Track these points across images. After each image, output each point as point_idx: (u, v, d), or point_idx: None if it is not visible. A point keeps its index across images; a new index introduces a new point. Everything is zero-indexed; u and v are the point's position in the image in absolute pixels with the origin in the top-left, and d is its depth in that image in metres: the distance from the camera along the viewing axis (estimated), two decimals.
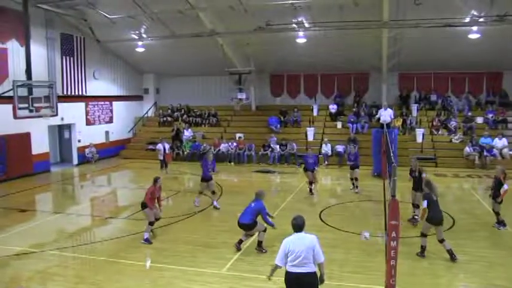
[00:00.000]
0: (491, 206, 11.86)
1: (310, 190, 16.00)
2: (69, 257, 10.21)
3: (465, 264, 9.20)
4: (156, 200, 11.58)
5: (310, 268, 6.22)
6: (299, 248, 6.24)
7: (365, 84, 26.05)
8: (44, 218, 13.97)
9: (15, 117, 17.03)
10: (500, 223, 11.54)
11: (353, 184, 16.38)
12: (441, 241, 9.38)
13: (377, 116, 20.76)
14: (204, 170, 14.34)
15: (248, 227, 10.25)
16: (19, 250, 10.58)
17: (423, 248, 9.63)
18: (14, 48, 19.41)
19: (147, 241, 10.90)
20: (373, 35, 20.24)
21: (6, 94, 17.57)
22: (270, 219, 10.60)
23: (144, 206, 11.22)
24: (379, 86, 24.80)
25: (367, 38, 20.58)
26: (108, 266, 9.43)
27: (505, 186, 11.06)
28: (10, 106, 16.77)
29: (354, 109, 25.05)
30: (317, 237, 6.43)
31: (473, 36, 19.08)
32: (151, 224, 11.14)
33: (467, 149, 21.05)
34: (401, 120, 23.57)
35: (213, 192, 14.51)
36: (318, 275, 6.35)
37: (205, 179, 14.38)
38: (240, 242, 10.32)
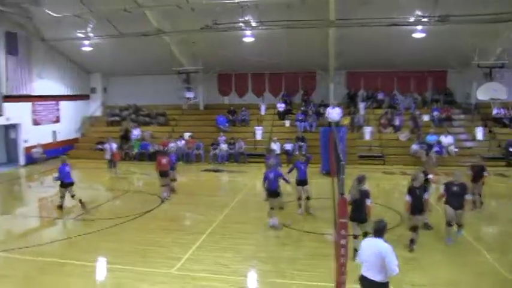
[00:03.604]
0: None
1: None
2: (17, 259, 10.12)
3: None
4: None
5: (375, 276, 6.21)
6: (368, 253, 6.35)
7: (313, 83, 26.64)
8: None
9: None
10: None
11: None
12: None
13: (325, 114, 21.27)
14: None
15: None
16: None
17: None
18: None
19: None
20: (320, 34, 20.80)
21: None
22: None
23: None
24: (327, 84, 25.55)
25: (314, 37, 21.14)
26: (57, 268, 9.44)
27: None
28: None
29: (302, 108, 25.57)
30: (391, 248, 6.27)
31: (418, 35, 19.68)
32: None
33: (414, 147, 21.69)
34: (349, 118, 24.19)
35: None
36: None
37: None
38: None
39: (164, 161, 15.66)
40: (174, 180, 16.50)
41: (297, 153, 20.82)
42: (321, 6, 18.51)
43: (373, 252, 6.25)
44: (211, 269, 9.22)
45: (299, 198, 13.22)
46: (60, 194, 14.10)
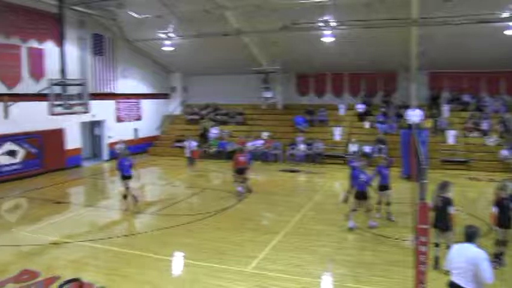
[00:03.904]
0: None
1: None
2: (101, 248, 10.60)
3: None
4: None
5: (468, 284, 5.84)
6: (459, 259, 6.00)
7: (393, 84, 25.77)
8: (77, 211, 14.57)
9: (51, 113, 17.61)
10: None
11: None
12: None
13: (405, 116, 20.48)
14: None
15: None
16: (55, 240, 11.16)
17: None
18: (50, 49, 20.20)
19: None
20: (401, 33, 19.97)
21: (43, 92, 18.16)
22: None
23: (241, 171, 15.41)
24: (408, 85, 24.56)
25: (395, 36, 20.35)
26: (137, 259, 9.75)
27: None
28: (46, 103, 17.35)
29: (382, 109, 24.76)
30: (486, 254, 5.90)
31: (510, 32, 18.31)
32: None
33: (503, 152, 20.16)
34: (431, 121, 22.97)
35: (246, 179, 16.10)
36: None
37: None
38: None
39: (242, 158, 15.93)
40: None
41: (376, 155, 20.30)
42: (402, 4, 17.80)
43: (465, 259, 5.85)
44: (285, 269, 9.09)
45: (379, 203, 12.76)
46: (121, 185, 15.07)
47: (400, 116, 23.50)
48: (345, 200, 12.73)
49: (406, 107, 23.29)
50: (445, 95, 24.75)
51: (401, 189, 15.43)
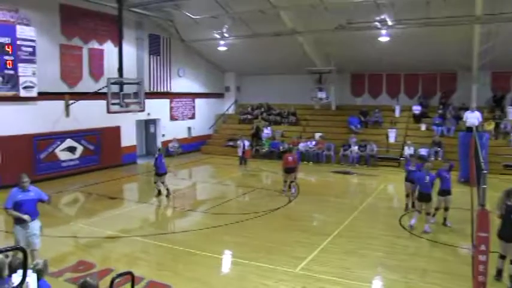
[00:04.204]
0: None
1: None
2: (152, 244, 10.82)
3: None
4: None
5: None
6: None
7: (452, 85, 24.78)
8: (130, 206, 15.04)
9: (108, 111, 18.09)
10: None
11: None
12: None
13: (463, 119, 19.71)
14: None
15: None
16: (109, 233, 11.55)
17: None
18: (108, 49, 20.85)
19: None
20: (462, 31, 19.07)
21: (101, 91, 18.76)
22: None
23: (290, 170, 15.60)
24: (469, 86, 23.53)
25: (456, 35, 19.47)
26: (186, 256, 9.87)
27: None
28: (104, 102, 17.86)
29: (440, 111, 23.86)
30: None
31: None
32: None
33: None
34: (493, 123, 21.98)
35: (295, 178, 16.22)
36: None
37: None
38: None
39: (290, 158, 15.98)
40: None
41: (432, 158, 19.68)
42: (464, 0, 17.06)
43: None
44: (335, 272, 8.92)
45: (437, 209, 12.22)
46: (154, 180, 15.92)
47: (458, 118, 22.64)
48: (406, 208, 12.96)
49: (466, 108, 22.38)
50: (509, 96, 23.57)
51: (458, 194, 14.79)
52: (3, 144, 16.80)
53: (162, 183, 15.71)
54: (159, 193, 15.76)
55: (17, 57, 16.66)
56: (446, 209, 12.12)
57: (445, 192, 12.00)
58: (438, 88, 25.06)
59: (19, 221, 8.36)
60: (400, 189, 14.68)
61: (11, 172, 16.20)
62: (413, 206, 13.20)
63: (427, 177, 11.55)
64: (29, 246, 8.33)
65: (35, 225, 8.60)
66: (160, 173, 15.63)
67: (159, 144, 24.44)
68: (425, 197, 11.55)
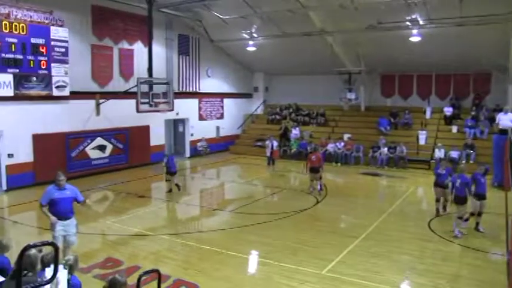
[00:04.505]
0: None
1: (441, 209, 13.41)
2: (180, 243, 10.88)
3: None
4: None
5: None
6: None
7: (486, 86, 24.12)
8: (158, 205, 15.24)
9: (138, 111, 18.28)
10: None
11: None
12: None
13: (496, 120, 19.21)
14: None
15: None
16: (137, 231, 11.66)
17: None
18: (138, 49, 21.10)
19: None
20: (499, 30, 18.48)
21: (131, 90, 19.00)
22: None
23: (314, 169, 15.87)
24: (504, 87, 22.89)
25: (491, 34, 18.92)
26: (213, 256, 9.87)
27: None
28: (134, 101, 18.05)
29: (472, 112, 23.30)
30: None
31: None
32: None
33: None
34: None
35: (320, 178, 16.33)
36: None
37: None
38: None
39: (314, 157, 16.15)
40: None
41: (463, 161, 19.25)
42: None
43: None
44: (362, 274, 8.78)
45: (472, 214, 11.89)
46: (166, 178, 16.56)
47: (492, 120, 22.07)
48: (437, 213, 12.82)
49: (500, 110, 21.82)
50: None
51: (492, 199, 14.38)
52: (37, 142, 17.21)
53: (170, 181, 16.42)
54: (170, 190, 16.25)
55: (51, 57, 17.02)
56: (479, 213, 11.81)
57: (480, 196, 11.70)
58: (471, 89, 24.50)
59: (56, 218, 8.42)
60: (430, 192, 14.37)
61: (44, 170, 16.68)
62: (444, 209, 12.98)
63: (458, 180, 11.31)
64: (66, 244, 8.47)
65: (72, 224, 8.68)
66: (172, 172, 16.23)
67: (187, 145, 24.76)
68: (458, 200, 11.32)
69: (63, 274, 5.21)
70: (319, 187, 16.15)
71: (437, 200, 13.29)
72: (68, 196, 8.56)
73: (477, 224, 11.80)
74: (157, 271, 4.96)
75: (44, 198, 8.43)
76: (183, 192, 16.39)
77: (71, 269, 5.58)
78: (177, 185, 16.40)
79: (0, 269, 5.86)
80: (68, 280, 5.30)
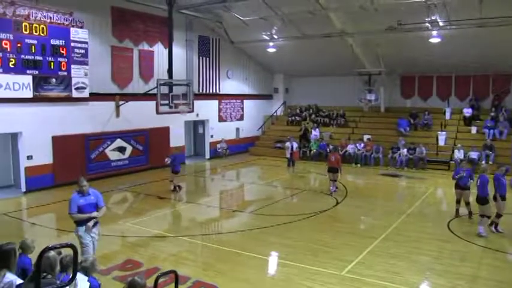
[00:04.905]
0: None
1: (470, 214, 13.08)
2: (199, 244, 11.00)
3: None
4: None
5: None
6: None
7: (506, 86, 23.86)
8: (178, 206, 15.39)
9: (158, 112, 18.44)
10: None
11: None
12: None
13: None
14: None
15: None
16: (157, 233, 11.77)
17: None
18: (159, 51, 21.33)
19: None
20: None
21: (151, 92, 19.19)
22: None
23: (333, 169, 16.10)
24: None
25: (511, 35, 18.90)
26: (233, 257, 9.94)
27: None
28: (153, 102, 18.20)
29: (492, 113, 23.09)
30: None
31: None
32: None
33: None
34: None
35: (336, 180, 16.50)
36: None
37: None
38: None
39: (333, 158, 16.42)
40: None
41: (483, 162, 19.06)
42: None
43: None
44: (381, 275, 8.79)
45: (499, 215, 11.76)
46: (170, 178, 16.93)
47: None
48: (457, 214, 12.81)
49: None
50: None
51: (510, 199, 14.33)
52: (56, 144, 17.38)
53: (172, 180, 16.81)
54: (175, 189, 16.67)
55: (70, 58, 17.18)
56: (498, 215, 11.71)
57: (501, 197, 11.62)
58: (491, 90, 24.25)
59: (82, 222, 8.40)
60: (450, 193, 14.30)
61: (63, 172, 16.94)
62: (469, 216, 12.92)
63: (478, 181, 11.31)
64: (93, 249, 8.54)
65: (98, 228, 8.74)
66: (176, 171, 16.65)
67: (207, 146, 25.03)
68: (479, 200, 11.32)
69: (81, 276, 5.32)
70: (334, 188, 16.27)
71: (458, 202, 13.19)
72: (93, 201, 8.52)
73: (496, 224, 11.70)
74: (174, 272, 5.03)
75: (72, 207, 8.36)
76: (203, 194, 16.49)
77: (86, 270, 5.70)
78: (178, 186, 16.77)
79: (21, 268, 5.91)
80: (88, 282, 5.41)
